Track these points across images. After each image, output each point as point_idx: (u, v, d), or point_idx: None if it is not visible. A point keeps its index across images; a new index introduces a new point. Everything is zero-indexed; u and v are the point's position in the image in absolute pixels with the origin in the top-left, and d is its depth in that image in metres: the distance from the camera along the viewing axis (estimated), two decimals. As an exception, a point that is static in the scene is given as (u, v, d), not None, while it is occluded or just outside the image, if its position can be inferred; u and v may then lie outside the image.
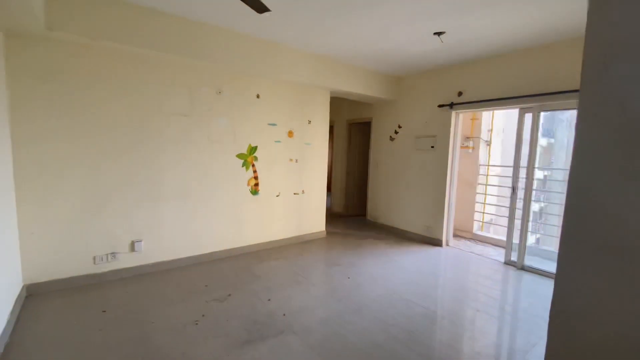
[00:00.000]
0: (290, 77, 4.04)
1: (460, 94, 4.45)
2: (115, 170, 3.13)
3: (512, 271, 3.86)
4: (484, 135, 5.61)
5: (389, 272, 3.67)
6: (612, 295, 1.15)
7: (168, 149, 3.42)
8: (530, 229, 3.93)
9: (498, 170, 5.82)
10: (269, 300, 2.90)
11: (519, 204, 3.95)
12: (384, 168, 5.67)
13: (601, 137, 1.15)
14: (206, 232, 3.80)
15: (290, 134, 4.46)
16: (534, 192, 3.88)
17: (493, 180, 5.68)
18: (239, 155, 3.98)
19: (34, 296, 2.79)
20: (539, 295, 3.19)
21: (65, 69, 2.83)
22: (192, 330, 2.38)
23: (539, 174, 5.80)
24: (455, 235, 5.28)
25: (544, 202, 6.18)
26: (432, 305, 2.94)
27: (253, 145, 4.09)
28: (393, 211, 5.51)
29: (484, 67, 4.17)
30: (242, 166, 4.02)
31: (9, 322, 2.28)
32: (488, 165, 5.59)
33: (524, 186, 3.87)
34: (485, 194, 5.50)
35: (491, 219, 5.76)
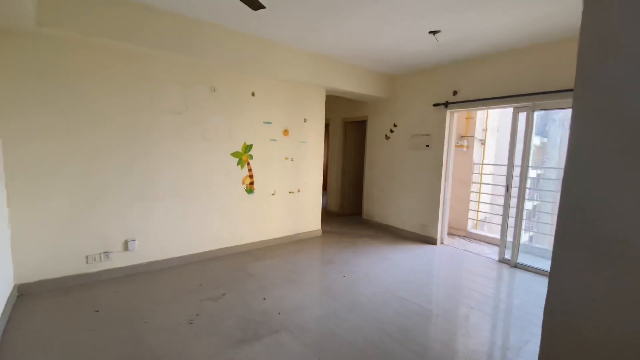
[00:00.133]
0: (286, 75, 4.02)
1: (455, 93, 4.47)
2: (108, 168, 3.10)
3: (505, 269, 3.89)
4: (479, 135, 5.65)
5: (384, 271, 3.68)
6: (606, 293, 1.16)
7: (162, 147, 3.39)
8: (523, 227, 3.96)
9: (492, 169, 5.87)
10: (264, 299, 2.89)
11: (513, 203, 3.98)
12: (379, 167, 5.68)
13: (595, 134, 1.16)
14: (200, 231, 3.78)
15: (285, 132, 4.44)
16: (527, 191, 3.91)
17: (487, 179, 5.73)
18: (234, 154, 3.96)
19: (25, 296, 2.75)
20: (532, 293, 3.22)
21: (56, 66, 2.79)
22: (186, 330, 2.37)
23: (532, 173, 5.86)
24: (449, 234, 5.31)
25: (537, 200, 6.24)
26: (427, 303, 2.95)
27: (248, 143, 4.07)
28: (388, 210, 5.53)
29: (478, 66, 4.19)
30: (237, 164, 4.00)
31: (-1, 322, 2.25)
32: (482, 164, 5.63)
33: (517, 185, 3.91)
34: (480, 193, 5.54)
35: (485, 218, 5.80)
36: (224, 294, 2.95)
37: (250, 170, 4.13)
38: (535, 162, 7.43)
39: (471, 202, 5.52)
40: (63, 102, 2.83)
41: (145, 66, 3.21)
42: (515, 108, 3.92)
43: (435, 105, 4.66)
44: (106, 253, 3.16)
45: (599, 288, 1.17)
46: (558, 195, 1.30)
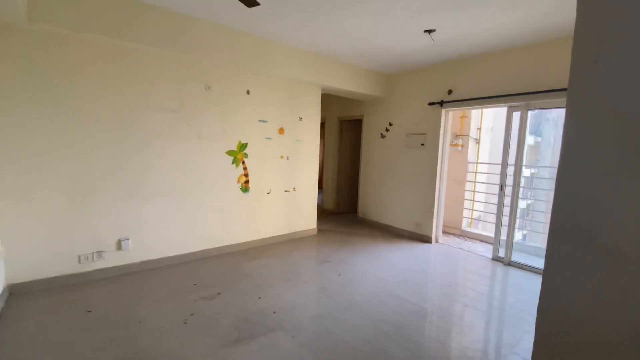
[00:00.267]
0: (281, 74, 4.00)
1: (450, 92, 4.49)
2: (100, 166, 3.06)
3: (499, 267, 3.93)
4: (473, 134, 5.68)
5: (380, 269, 3.69)
6: (599, 291, 1.17)
7: (156, 145, 3.36)
8: (517, 225, 4.00)
9: (486, 168, 5.91)
10: (259, 298, 2.88)
11: (507, 201, 4.02)
12: (375, 165, 5.69)
13: (589, 132, 1.16)
14: (195, 229, 3.75)
15: (281, 130, 4.43)
16: (521, 190, 3.94)
17: (481, 177, 5.76)
18: (229, 152, 3.93)
19: (17, 296, 2.71)
20: (526, 291, 3.26)
21: (47, 62, 2.74)
22: (181, 330, 2.35)
23: (526, 172, 5.91)
24: (444, 232, 5.34)
25: (530, 199, 6.30)
26: (422, 301, 2.97)
27: (243, 142, 4.04)
28: (384, 208, 5.54)
29: (473, 65, 4.21)
30: (232, 163, 3.98)
31: (-11, 323, 2.21)
32: (477, 163, 5.67)
33: (511, 183, 3.94)
34: (474, 191, 5.58)
35: (479, 216, 5.85)
36: (218, 294, 2.93)
37: (245, 168, 4.10)
38: (529, 161, 7.50)
39: (466, 201, 5.56)
40: (54, 99, 2.79)
41: (138, 63, 3.17)
42: (509, 107, 3.95)
43: (430, 104, 4.67)
44: (99, 252, 3.12)
45: (592, 286, 1.18)
46: (551, 194, 1.30)
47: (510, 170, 3.96)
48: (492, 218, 4.49)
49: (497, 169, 4.33)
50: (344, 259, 3.97)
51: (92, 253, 3.09)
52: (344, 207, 6.76)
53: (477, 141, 5.79)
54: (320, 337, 2.34)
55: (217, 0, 2.82)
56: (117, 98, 3.09)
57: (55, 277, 2.92)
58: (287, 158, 4.56)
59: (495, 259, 4.14)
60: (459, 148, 5.60)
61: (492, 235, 4.36)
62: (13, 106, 2.63)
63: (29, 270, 2.81)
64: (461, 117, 5.60)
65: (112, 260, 3.21)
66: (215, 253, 3.94)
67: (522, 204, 5.24)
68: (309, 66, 4.21)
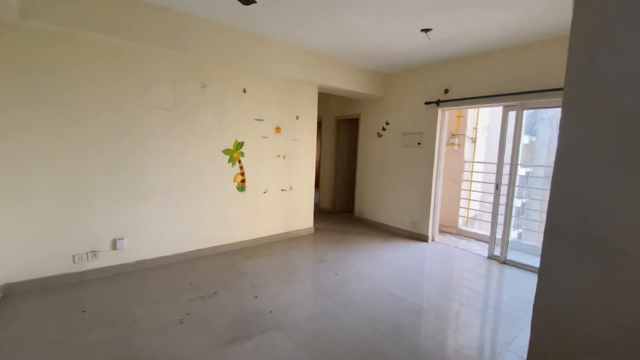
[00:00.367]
0: (278, 72, 3.98)
1: (446, 91, 4.50)
2: (95, 164, 3.03)
3: (495, 265, 3.95)
4: (469, 133, 5.70)
5: (376, 268, 3.69)
6: (594, 289, 1.17)
7: (151, 143, 3.33)
8: (512, 224, 4.02)
9: (482, 167, 5.93)
10: (256, 297, 2.87)
11: (502, 200, 4.04)
12: (371, 164, 5.70)
13: (585, 131, 1.16)
14: (191, 229, 3.73)
15: (277, 129, 4.41)
16: (516, 189, 3.97)
17: (477, 176, 5.79)
18: (225, 151, 3.91)
19: (10, 296, 2.68)
20: (521, 289, 3.28)
21: (41, 60, 2.70)
22: (177, 330, 2.34)
23: (521, 171, 5.95)
24: (440, 231, 5.36)
25: (525, 198, 6.35)
26: (418, 299, 2.98)
27: (239, 140, 4.03)
28: (380, 207, 5.55)
29: (469, 65, 4.23)
30: (228, 162, 3.96)
31: (-19, 324, 2.18)
32: (473, 162, 5.69)
33: (507, 183, 3.96)
34: (470, 190, 5.61)
35: (475, 215, 5.87)
36: (215, 293, 2.92)
37: (241, 167, 4.09)
38: (524, 161, 7.55)
39: (462, 200, 5.58)
40: (49, 97, 2.75)
41: (133, 61, 3.15)
42: (505, 107, 3.97)
43: (427, 103, 4.68)
44: (94, 252, 3.09)
45: (588, 284, 1.19)
46: (546, 193, 1.31)
47: (506, 169, 3.98)
48: (488, 217, 4.52)
49: (493, 168, 4.35)
50: (341, 258, 3.97)
51: (87, 253, 3.06)
52: (340, 206, 6.76)
53: (473, 140, 5.81)
54: (317, 336, 2.34)
55: (213, -2, 2.80)
56: (112, 96, 3.06)
57: (49, 277, 2.89)
58: (284, 157, 4.55)
59: (491, 257, 4.16)
60: (456, 147, 5.62)
61: (488, 234, 4.38)
62: (8, 105, 2.59)
63: (22, 270, 2.77)
64: (457, 117, 5.62)
65: (107, 260, 3.18)
66: (211, 252, 3.92)
67: (517, 202, 5.28)
68: (305, 65, 4.20)
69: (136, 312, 2.55)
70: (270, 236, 4.53)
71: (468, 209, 5.62)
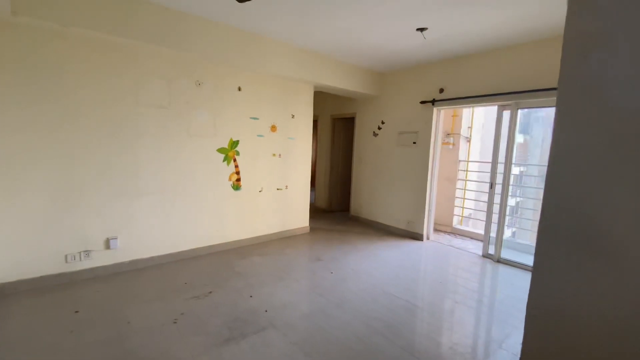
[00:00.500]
0: (273, 70, 3.97)
1: (441, 90, 4.52)
2: (88, 163, 2.99)
3: (489, 264, 3.98)
4: (464, 132, 5.73)
5: (372, 267, 3.70)
6: (588, 287, 1.18)
7: (145, 142, 3.30)
8: (506, 223, 4.05)
9: (477, 166, 5.97)
10: (251, 296, 2.87)
11: (497, 199, 4.07)
12: (367, 163, 5.71)
13: (579, 130, 1.17)
14: (185, 228, 3.71)
15: (273, 128, 4.40)
16: (510, 188, 4.00)
17: (472, 175, 5.83)
18: (220, 150, 3.89)
19: (1, 297, 2.64)
20: (514, 287, 3.31)
21: (33, 57, 2.66)
22: (171, 330, 2.32)
23: (515, 170, 6.00)
24: (435, 230, 5.39)
25: (519, 197, 6.40)
26: (413, 298, 2.99)
27: (234, 139, 4.00)
28: (376, 206, 5.57)
29: (464, 64, 4.24)
30: (223, 161, 3.94)
31: (-29, 325, 2.15)
32: (467, 161, 5.72)
33: (501, 182, 3.99)
34: (465, 189, 5.64)
35: (470, 214, 5.92)
36: (210, 292, 2.91)
37: (236, 166, 4.07)
38: (519, 160, 7.62)
39: (456, 199, 5.61)
40: (40, 95, 2.71)
41: (127, 58, 3.11)
42: (499, 106, 3.99)
43: (422, 102, 4.70)
44: (86, 252, 3.06)
45: (581, 283, 1.20)
46: (540, 192, 1.32)
47: (500, 168, 4.01)
48: (482, 216, 4.55)
49: (487, 167, 4.38)
50: (336, 257, 3.97)
51: (79, 252, 3.03)
52: (336, 205, 6.76)
53: (468, 140, 5.85)
54: (312, 335, 2.34)
55: (207, -5, 2.78)
56: (105, 94, 3.02)
57: (42, 277, 2.86)
58: (280, 156, 4.53)
59: (485, 256, 4.20)
60: (450, 146, 5.65)
61: (482, 232, 4.41)
62: (-5, 102, 2.55)
63: (14, 270, 2.73)
64: (452, 116, 5.65)
65: (100, 259, 3.15)
66: (206, 252, 3.90)
67: (511, 201, 5.32)
68: (301, 63, 4.19)
69: (130, 312, 2.53)
70: (266, 235, 4.52)
71: (463, 207, 5.66)
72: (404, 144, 5.02)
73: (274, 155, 4.46)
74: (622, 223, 1.09)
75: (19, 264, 2.76)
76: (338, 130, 6.63)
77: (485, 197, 4.31)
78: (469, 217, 5.88)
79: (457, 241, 4.96)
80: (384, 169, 5.36)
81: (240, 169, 4.11)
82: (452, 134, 5.66)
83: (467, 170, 5.69)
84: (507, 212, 4.01)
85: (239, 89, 3.97)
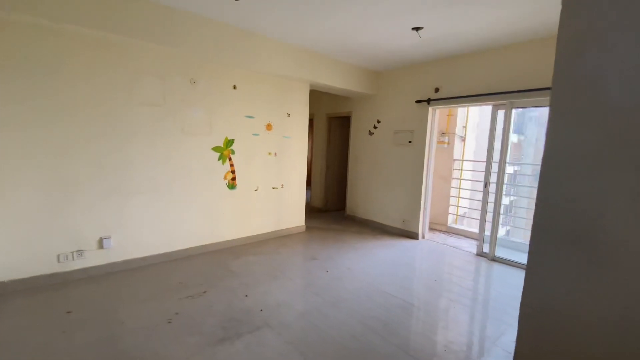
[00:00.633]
0: (269, 69, 3.95)
1: (437, 90, 4.53)
2: (81, 162, 2.95)
3: (484, 262, 4.01)
4: (459, 131, 5.76)
5: (367, 265, 3.71)
6: (581, 285, 1.19)
7: (138, 140, 3.26)
8: (501, 221, 4.08)
9: (472, 165, 6.01)
10: (246, 296, 2.85)
11: (491, 198, 4.10)
12: (363, 162, 5.71)
13: (573, 129, 1.17)
14: (180, 227, 3.68)
15: (268, 127, 4.38)
16: (504, 186, 4.02)
17: (467, 175, 5.86)
18: (215, 148, 3.86)
19: (-11, 298, 2.60)
20: (509, 285, 3.33)
21: (24, 54, 2.61)
22: (165, 330, 2.30)
23: (509, 169, 6.05)
24: (430, 229, 5.42)
25: (513, 196, 6.45)
26: (408, 296, 3.00)
27: (230, 138, 3.98)
28: (371, 205, 5.57)
29: (460, 64, 4.26)
30: (218, 160, 3.91)
31: (-40, 326, 2.11)
32: (462, 160, 5.76)
33: (495, 181, 4.02)
34: (460, 188, 5.68)
35: (465, 213, 5.95)
36: (204, 292, 2.89)
37: (232, 165, 4.05)
38: (513, 159, 7.68)
39: (451, 198, 5.64)
40: (32, 92, 2.67)
41: (120, 55, 3.07)
42: (494, 106, 4.01)
43: (417, 101, 4.71)
44: (79, 251, 3.02)
45: (574, 282, 1.21)
46: (533, 191, 1.32)
47: (495, 167, 4.04)
48: (477, 214, 4.58)
49: (482, 167, 4.40)
50: (332, 256, 3.97)
51: (72, 252, 2.99)
52: (332, 204, 6.76)
53: (463, 139, 5.88)
54: (307, 334, 2.34)
55: (202, -8, 2.75)
56: (98, 91, 2.98)
57: (33, 277, 2.82)
58: (275, 155, 4.52)
59: (480, 254, 4.23)
60: (445, 145, 5.67)
61: (477, 231, 4.44)
62: (-15, 99, 2.50)
63: (5, 270, 2.69)
64: (448, 115, 5.67)
65: (93, 259, 3.11)
66: (201, 251, 3.88)
67: (505, 200, 5.36)
68: (297, 61, 4.17)
69: (123, 312, 2.50)
70: (261, 234, 4.50)
71: (457, 206, 5.69)
72: (399, 143, 5.03)
73: (269, 154, 4.44)
74: (616, 221, 1.09)
75: (11, 263, 2.71)
76: (334, 129, 6.62)
77: (480, 196, 4.34)
78: (463, 216, 5.92)
79: (452, 240, 4.99)
80: (380, 168, 5.37)
81: (236, 167, 4.08)
82: (447, 133, 5.68)
83: (461, 170, 5.72)
84: (501, 211, 4.04)
85: (234, 87, 3.94)
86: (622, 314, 1.09)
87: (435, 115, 4.74)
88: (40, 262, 2.85)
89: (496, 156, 4.01)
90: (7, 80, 2.56)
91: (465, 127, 5.88)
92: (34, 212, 2.78)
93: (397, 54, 4.28)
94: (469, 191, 5.73)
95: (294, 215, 4.90)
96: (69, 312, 2.46)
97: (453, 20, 3.11)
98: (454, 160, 5.65)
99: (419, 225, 4.84)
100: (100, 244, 3.13)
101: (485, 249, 4.17)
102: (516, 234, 6.20)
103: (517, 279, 3.47)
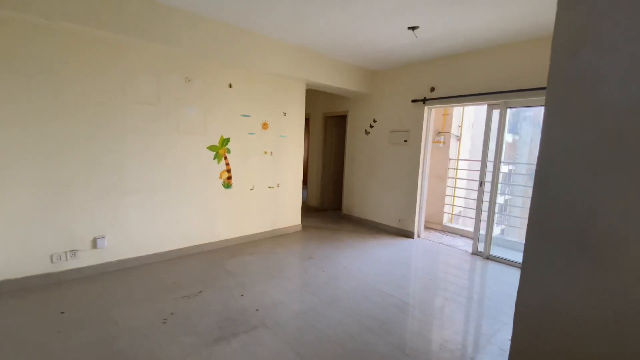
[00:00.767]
0: (264, 67, 3.93)
1: (432, 89, 4.55)
2: (74, 160, 2.92)
3: (479, 261, 4.04)
4: (455, 131, 5.79)
5: (363, 264, 3.72)
6: (576, 286, 1.20)
7: (133, 139, 3.23)
8: (495, 220, 4.11)
9: (467, 164, 6.04)
10: (242, 295, 2.84)
11: (486, 197, 4.12)
12: (359, 162, 5.72)
13: (568, 128, 1.17)
14: (175, 227, 3.65)
15: (264, 125, 4.36)
16: (499, 186, 4.05)
17: (462, 174, 5.89)
18: (210, 147, 3.84)
19: (-19, 299, 2.56)
20: (503, 283, 3.36)
21: (17, 52, 2.58)
22: (160, 330, 2.29)
23: (504, 168, 6.10)
24: (426, 227, 5.44)
25: (508, 195, 6.50)
26: (404, 295, 3.01)
27: (225, 137, 3.96)
28: (367, 204, 5.58)
29: (455, 63, 4.28)
30: (214, 159, 3.89)
31: (-50, 328, 2.08)
32: (458, 160, 5.79)
33: (490, 180, 4.04)
34: (455, 187, 5.71)
35: (460, 212, 5.99)
36: (200, 292, 2.87)
37: (227, 164, 4.03)
38: (507, 158, 7.74)
39: (447, 197, 5.67)
40: (25, 91, 2.63)
41: (114, 53, 3.04)
42: (489, 105, 4.04)
43: (413, 101, 4.72)
44: (73, 251, 2.99)
45: (569, 280, 1.21)
46: (528, 190, 1.33)
47: (490, 166, 4.07)
48: (472, 213, 4.60)
49: (477, 166, 4.43)
50: (328, 255, 3.97)
51: (65, 252, 2.95)
52: (328, 203, 6.76)
53: (458, 138, 5.91)
54: (304, 333, 2.34)
55: (197, -10, 2.73)
56: (92, 90, 2.94)
57: (26, 278, 2.78)
58: (271, 154, 4.50)
59: (475, 253, 4.25)
60: (441, 145, 5.70)
61: (472, 230, 4.47)
62: (-25, 97, 2.46)
63: (-5, 271, 2.66)
64: (443, 115, 5.70)
65: (87, 259, 3.08)
66: (197, 251, 3.86)
67: (500, 199, 5.40)
68: (293, 60, 4.16)
69: (118, 313, 2.48)
70: (257, 234, 4.49)
71: (453, 205, 5.72)
72: (395, 142, 5.04)
73: (265, 153, 4.43)
74: (613, 220, 1.10)
75: (3, 264, 2.67)
76: (330, 128, 6.62)
77: (475, 195, 4.36)
78: (458, 215, 5.95)
79: (447, 238, 5.01)
80: (376, 167, 5.38)
81: (231, 167, 4.07)
82: (442, 133, 5.71)
83: (457, 169, 5.75)
84: (496, 210, 4.07)
85: (230, 85, 3.92)
86: (619, 312, 1.10)
87: (431, 114, 4.75)
88: (33, 262, 2.81)
89: (491, 155, 4.03)
90: (0, 80, 2.52)
91: (460, 126, 5.91)
92: (27, 212, 2.74)
93: (393, 53, 4.28)
94: (464, 190, 5.76)
95: (290, 214, 4.89)
96: (62, 313, 2.44)
97: (449, 19, 3.12)
98: (450, 159, 5.67)
99: (414, 224, 4.86)
100: (94, 243, 3.10)
101: (480, 247, 4.20)
102: (511, 232, 6.25)
103: (512, 277, 3.50)
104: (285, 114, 4.59)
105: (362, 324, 2.48)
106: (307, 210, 6.43)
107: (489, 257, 4.09)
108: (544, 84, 1.24)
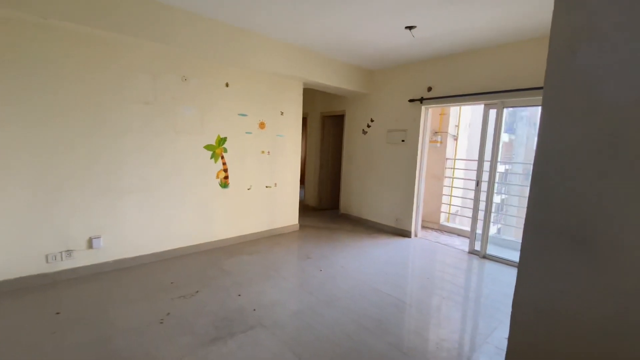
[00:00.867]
0: (261, 66, 3.92)
1: (429, 89, 4.56)
2: (70, 160, 2.89)
3: (475, 260, 4.06)
4: (452, 130, 5.81)
5: (361, 264, 3.72)
6: (573, 285, 1.20)
7: (129, 138, 3.21)
8: (492, 219, 4.13)
9: (464, 164, 6.07)
10: (239, 295, 2.84)
11: (482, 196, 4.14)
12: (356, 161, 5.72)
13: (565, 125, 1.17)
14: (172, 226, 3.64)
15: (261, 125, 4.35)
16: (496, 185, 4.07)
17: (459, 173, 5.91)
18: (207, 147, 3.83)
19: (-25, 300, 2.54)
20: (500, 282, 3.38)
21: (12, 51, 2.55)
22: (157, 330, 2.28)
23: (500, 168, 6.13)
24: (423, 227, 5.46)
25: (504, 194, 6.53)
26: (401, 294, 3.02)
27: (222, 136, 3.94)
28: (365, 204, 5.59)
29: (452, 63, 4.29)
30: (211, 158, 3.87)
31: (-57, 329, 2.05)
32: (454, 159, 5.81)
33: (487, 179, 4.06)
34: (452, 187, 5.73)
35: (457, 211, 6.01)
36: (197, 292, 2.86)
37: (224, 164, 4.01)
38: (504, 158, 7.78)
39: (444, 196, 5.69)
40: (20, 90, 2.60)
41: (110, 52, 3.01)
42: (485, 105, 4.05)
43: (410, 100, 4.73)
44: (68, 251, 2.97)
45: (566, 279, 1.22)
46: (524, 189, 1.34)
47: (486, 166, 4.08)
48: (469, 213, 4.62)
49: (473, 165, 4.45)
50: (326, 255, 3.97)
51: (61, 252, 2.93)
52: (325, 203, 6.76)
53: (455, 138, 5.93)
54: (301, 333, 2.34)
55: (193, -12, 2.71)
56: (87, 89, 2.92)
57: (21, 278, 2.76)
58: (268, 153, 4.49)
59: (472, 252, 4.27)
60: (438, 144, 5.71)
61: (469, 229, 4.49)
62: (-31, 95, 2.43)
63: (-11, 272, 2.63)
64: (440, 114, 5.71)
65: (83, 259, 3.06)
66: (194, 250, 3.84)
67: (496, 199, 5.43)
68: (290, 59, 4.15)
69: (114, 313, 2.46)
70: (255, 233, 4.48)
71: (449, 205, 5.74)
72: (392, 141, 5.05)
73: (262, 152, 4.42)
74: (609, 219, 1.11)
75: (-4, 264, 2.65)
76: (327, 128, 6.61)
77: (472, 195, 4.38)
78: (455, 214, 5.98)
79: (444, 238, 5.03)
80: (373, 166, 5.38)
81: (228, 166, 4.05)
82: (439, 132, 5.72)
83: (454, 168, 5.78)
84: (493, 209, 4.09)
85: (227, 84, 3.91)
86: (616, 311, 1.11)
87: (428, 114, 4.76)
88: (28, 263, 2.79)
89: (488, 155, 4.05)
90: (-8, 76, 2.49)
91: (457, 126, 5.93)
92: (22, 211, 2.72)
93: (390, 52, 4.29)
94: (461, 190, 5.79)
95: (287, 214, 4.89)
96: (58, 313, 2.42)
97: (446, 19, 3.13)
98: (447, 159, 5.69)
99: (411, 224, 4.87)
100: (90, 243, 3.08)
101: (477, 246, 4.22)
102: (507, 232, 6.28)
103: (508, 276, 3.52)
104: (282, 113, 4.58)
105: (360, 324, 2.48)
106: (305, 209, 6.43)
107: (485, 256, 4.11)
108: (540, 84, 1.24)
